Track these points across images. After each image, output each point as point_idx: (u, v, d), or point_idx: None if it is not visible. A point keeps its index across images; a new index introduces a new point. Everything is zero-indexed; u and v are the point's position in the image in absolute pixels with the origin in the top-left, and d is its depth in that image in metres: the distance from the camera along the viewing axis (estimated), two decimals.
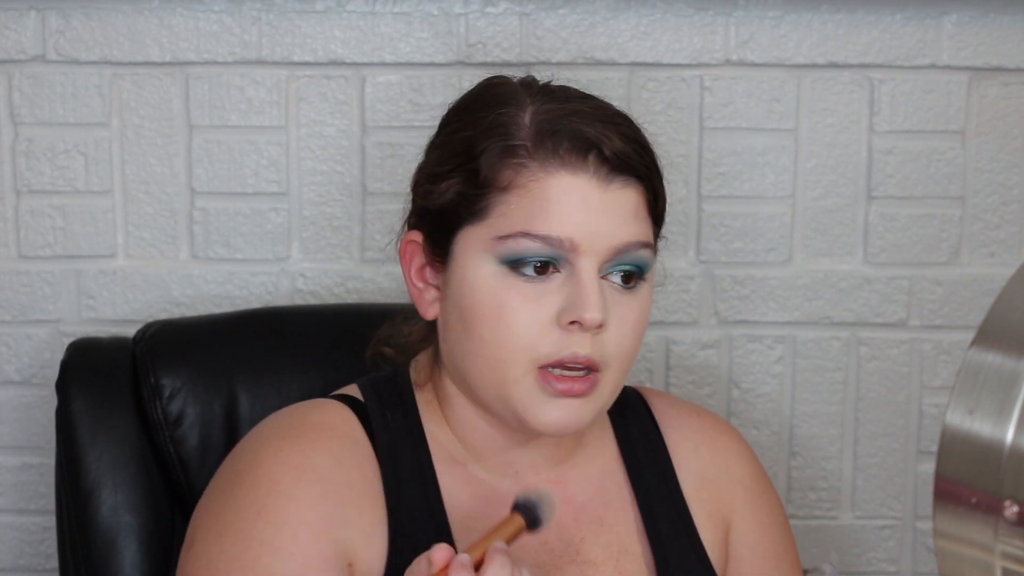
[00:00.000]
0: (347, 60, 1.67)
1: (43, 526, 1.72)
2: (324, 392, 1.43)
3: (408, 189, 1.25)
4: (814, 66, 1.70)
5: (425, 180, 1.20)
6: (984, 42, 1.70)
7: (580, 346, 1.11)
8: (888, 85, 1.71)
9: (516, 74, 1.68)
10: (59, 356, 1.48)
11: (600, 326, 1.11)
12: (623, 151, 1.14)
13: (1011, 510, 0.65)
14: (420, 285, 1.20)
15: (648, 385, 1.74)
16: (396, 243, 1.24)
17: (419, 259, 1.20)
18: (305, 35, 1.67)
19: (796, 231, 1.73)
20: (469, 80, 1.68)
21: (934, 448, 1.72)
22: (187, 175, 1.68)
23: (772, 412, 1.76)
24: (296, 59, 1.67)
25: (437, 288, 1.19)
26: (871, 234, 1.73)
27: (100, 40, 1.65)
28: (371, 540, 1.15)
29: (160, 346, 1.45)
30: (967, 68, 1.71)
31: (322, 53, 1.67)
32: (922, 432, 1.77)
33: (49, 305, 1.69)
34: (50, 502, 1.62)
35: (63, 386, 1.45)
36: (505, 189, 1.13)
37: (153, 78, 1.67)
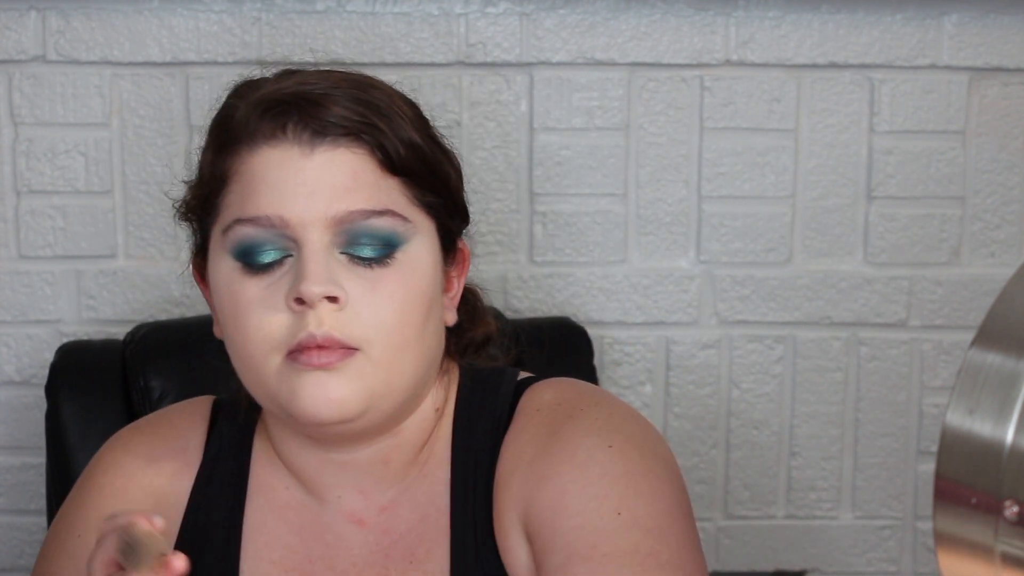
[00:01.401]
0: (347, 60, 1.67)
1: (42, 526, 1.71)
2: None
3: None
4: (814, 66, 1.70)
5: (192, 184, 1.15)
6: (984, 42, 1.70)
7: (315, 325, 1.02)
8: (888, 85, 1.71)
9: (512, 75, 1.68)
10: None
11: (333, 300, 1.03)
12: (330, 113, 1.06)
13: (1011, 510, 0.65)
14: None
15: (646, 386, 1.74)
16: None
17: (203, 283, 1.15)
18: (305, 35, 1.67)
19: (796, 231, 1.73)
20: (469, 80, 1.68)
21: (934, 448, 1.72)
22: (187, 175, 1.68)
23: (772, 412, 1.76)
24: (296, 59, 1.67)
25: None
26: (871, 234, 1.73)
27: (100, 40, 1.65)
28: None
29: (149, 348, 1.45)
30: (967, 68, 1.71)
31: (322, 53, 1.67)
32: (922, 432, 1.77)
33: (49, 305, 1.69)
34: None
35: (52, 390, 1.45)
36: (226, 181, 1.08)
37: (153, 78, 1.67)
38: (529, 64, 1.68)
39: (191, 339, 1.48)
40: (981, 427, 0.67)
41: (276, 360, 1.05)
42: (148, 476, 1.15)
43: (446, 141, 1.16)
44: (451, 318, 1.15)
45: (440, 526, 1.11)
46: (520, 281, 1.72)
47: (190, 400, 1.22)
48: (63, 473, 1.42)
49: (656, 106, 1.70)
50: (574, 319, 1.66)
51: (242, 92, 1.12)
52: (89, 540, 1.01)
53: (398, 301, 1.05)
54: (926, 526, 1.79)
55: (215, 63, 1.67)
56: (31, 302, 1.69)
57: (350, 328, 1.04)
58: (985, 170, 1.73)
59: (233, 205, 1.07)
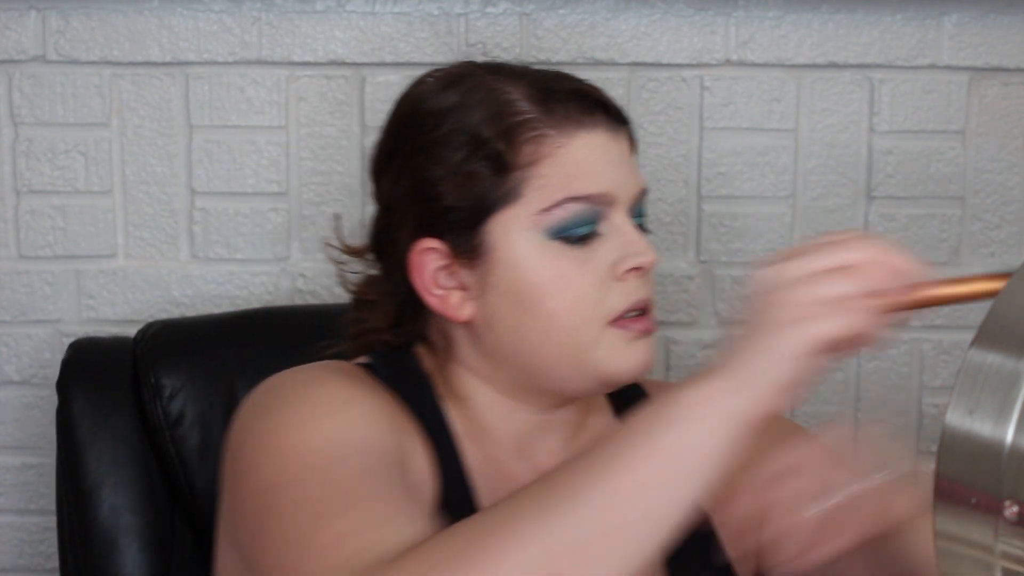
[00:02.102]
0: (347, 60, 1.67)
1: (43, 526, 1.71)
2: None
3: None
4: (814, 66, 1.70)
5: (425, 186, 1.17)
6: (984, 42, 1.70)
7: (641, 290, 1.15)
8: (888, 85, 1.71)
9: None
10: (59, 356, 1.48)
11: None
12: (611, 103, 1.18)
13: (1011, 510, 0.65)
14: (439, 292, 1.17)
15: None
16: (395, 256, 1.20)
17: (432, 265, 1.16)
18: (305, 35, 1.67)
19: (796, 231, 1.73)
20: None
21: (934, 448, 1.71)
22: (187, 175, 1.68)
23: None
24: (296, 59, 1.67)
25: (462, 288, 1.16)
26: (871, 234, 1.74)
27: (100, 40, 1.65)
28: (415, 457, 1.13)
29: (161, 346, 1.45)
30: (967, 68, 1.71)
31: (322, 53, 1.67)
32: (922, 432, 1.77)
33: (49, 305, 1.69)
34: (51, 502, 1.62)
35: (63, 386, 1.45)
36: (532, 164, 1.13)
37: (153, 78, 1.67)
38: (529, 64, 1.68)
39: (202, 337, 1.49)
40: (981, 427, 0.67)
41: (594, 330, 1.13)
42: (377, 395, 1.14)
43: None
44: None
45: None
46: None
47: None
48: (74, 468, 1.42)
49: (656, 106, 1.70)
50: None
51: (493, 82, 1.18)
52: (382, 437, 1.07)
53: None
54: None
55: (215, 63, 1.67)
56: (31, 302, 1.69)
57: (650, 290, 1.17)
58: (985, 170, 1.73)
59: (552, 186, 1.13)
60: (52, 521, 1.51)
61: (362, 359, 1.21)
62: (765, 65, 1.70)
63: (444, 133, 1.16)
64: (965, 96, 1.72)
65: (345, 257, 1.29)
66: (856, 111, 1.72)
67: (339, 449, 1.06)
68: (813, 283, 0.94)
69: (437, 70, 1.22)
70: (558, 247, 1.13)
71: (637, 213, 1.18)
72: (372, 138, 1.69)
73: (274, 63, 1.67)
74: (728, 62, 1.70)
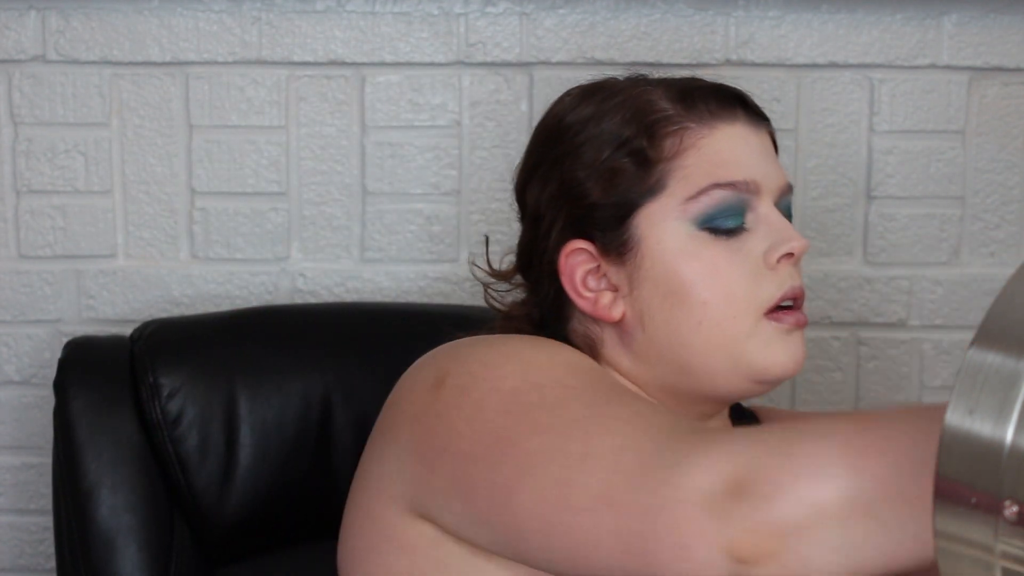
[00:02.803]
0: (347, 60, 1.67)
1: (43, 526, 1.72)
2: (325, 393, 1.44)
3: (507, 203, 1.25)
4: (814, 66, 1.70)
5: (571, 186, 1.17)
6: (984, 42, 1.70)
7: (794, 278, 1.15)
8: (888, 85, 1.71)
9: (512, 74, 1.68)
10: (59, 356, 1.48)
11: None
12: (751, 100, 1.19)
13: (1011, 510, 0.65)
14: (589, 294, 1.16)
15: None
16: (544, 263, 1.18)
17: (583, 267, 1.16)
18: (305, 35, 1.67)
19: (796, 231, 1.73)
20: (469, 80, 1.68)
21: None
22: (187, 175, 1.68)
23: None
24: (296, 59, 1.67)
25: (612, 289, 1.15)
26: (871, 234, 1.74)
27: (100, 40, 1.65)
28: None
29: (158, 345, 1.45)
30: (967, 68, 1.71)
31: (322, 53, 1.67)
32: None
33: (49, 305, 1.69)
34: (50, 502, 1.62)
35: (61, 385, 1.44)
36: (675, 156, 1.14)
37: (153, 78, 1.67)
38: (529, 64, 1.68)
39: (200, 336, 1.49)
40: (981, 427, 0.67)
41: (749, 321, 1.12)
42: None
43: None
44: None
45: None
46: None
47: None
48: (72, 469, 1.42)
49: None
50: None
51: (636, 88, 1.22)
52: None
53: None
54: None
55: (215, 63, 1.67)
56: (31, 302, 1.69)
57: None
58: (985, 170, 1.73)
59: (696, 175, 1.13)
60: (52, 521, 1.51)
61: None
62: (765, 65, 1.70)
63: (587, 137, 1.18)
64: (965, 96, 1.72)
65: (490, 278, 1.27)
66: (856, 111, 1.72)
67: (581, 371, 1.04)
68: None
69: (576, 87, 1.25)
70: (707, 238, 1.13)
71: (784, 207, 1.18)
72: (372, 138, 1.70)
73: (274, 63, 1.67)
74: (728, 62, 1.70)
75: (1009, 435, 0.66)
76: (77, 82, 1.66)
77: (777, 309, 1.13)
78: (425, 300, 1.70)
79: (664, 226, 1.13)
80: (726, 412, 1.22)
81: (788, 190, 1.19)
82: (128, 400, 1.43)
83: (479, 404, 1.02)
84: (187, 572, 1.41)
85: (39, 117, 1.66)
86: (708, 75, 1.70)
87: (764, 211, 1.15)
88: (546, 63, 1.68)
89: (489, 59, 1.68)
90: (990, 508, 0.66)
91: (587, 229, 1.16)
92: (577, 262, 1.16)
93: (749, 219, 1.14)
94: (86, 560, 1.40)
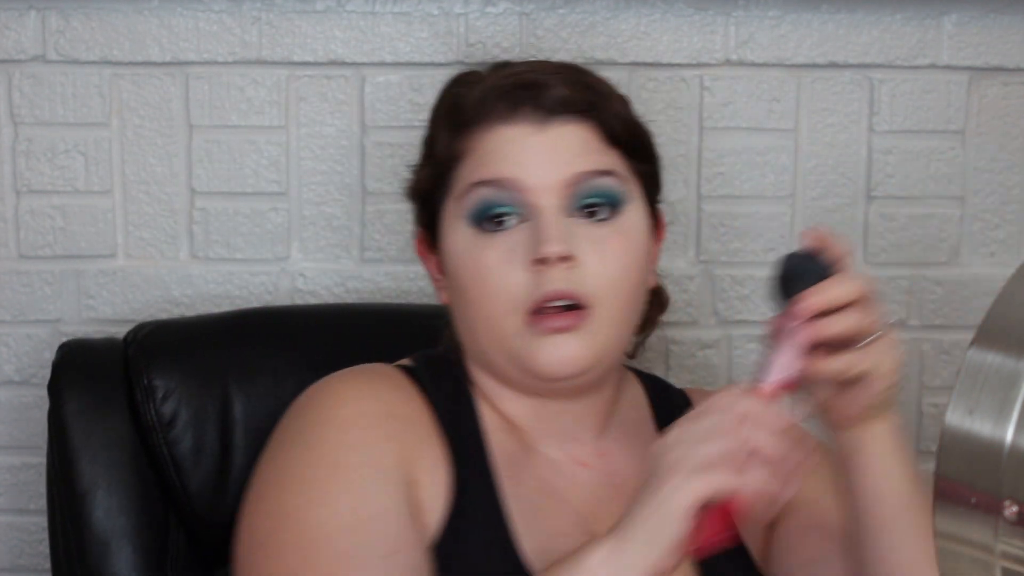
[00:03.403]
0: (347, 60, 1.67)
1: (42, 526, 1.71)
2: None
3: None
4: (814, 66, 1.70)
5: (410, 180, 1.28)
6: (984, 42, 1.70)
7: (553, 282, 1.14)
8: (888, 85, 1.71)
9: None
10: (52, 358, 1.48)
11: (567, 259, 1.14)
12: (558, 95, 1.19)
13: (1011, 510, 0.65)
14: (438, 277, 1.26)
15: None
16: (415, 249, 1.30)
17: (428, 255, 1.26)
18: (305, 35, 1.67)
19: (796, 231, 1.73)
20: None
21: (934, 448, 1.71)
22: (187, 175, 1.68)
23: None
24: (296, 59, 1.67)
25: (443, 275, 1.24)
26: (871, 234, 1.73)
27: (100, 40, 1.65)
28: (433, 473, 1.18)
29: (153, 347, 1.45)
30: (967, 68, 1.71)
31: (322, 53, 1.67)
32: (922, 432, 1.77)
33: (49, 305, 1.69)
34: None
35: (55, 388, 1.44)
36: (460, 157, 1.20)
37: (153, 78, 1.67)
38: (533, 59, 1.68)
39: (194, 338, 1.49)
40: (981, 427, 0.67)
41: (516, 320, 1.15)
42: (404, 409, 1.20)
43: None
44: (653, 280, 1.29)
45: None
46: None
47: (358, 367, 1.27)
48: (67, 471, 1.41)
49: (656, 106, 1.70)
50: None
51: (467, 80, 1.25)
52: (386, 460, 1.13)
53: (622, 258, 1.17)
54: None
55: (215, 63, 1.67)
56: (31, 302, 1.69)
57: (583, 284, 1.15)
58: (985, 170, 1.73)
59: (465, 176, 1.19)
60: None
61: (407, 361, 1.27)
62: (765, 65, 1.70)
63: (424, 135, 1.28)
64: (965, 96, 1.72)
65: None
66: (856, 111, 1.72)
67: (330, 523, 1.12)
68: (695, 445, 1.01)
69: (468, 69, 1.32)
70: (478, 235, 1.17)
71: (584, 200, 1.18)
72: (372, 138, 1.70)
73: (274, 63, 1.67)
74: (728, 62, 1.70)
75: (1009, 435, 0.66)
76: (77, 82, 1.66)
77: (541, 311, 1.15)
78: (425, 300, 1.70)
79: (451, 225, 1.20)
80: (604, 396, 1.25)
81: (581, 180, 1.18)
82: (122, 402, 1.43)
83: (242, 516, 1.20)
84: (182, 574, 1.41)
85: (39, 117, 1.66)
86: (708, 75, 1.71)
87: (539, 209, 1.16)
88: None
89: (489, 59, 1.68)
90: (990, 508, 0.66)
91: (422, 220, 1.26)
92: (423, 249, 1.27)
93: (518, 217, 1.16)
94: (82, 563, 1.40)
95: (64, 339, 1.62)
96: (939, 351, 1.76)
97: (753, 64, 1.70)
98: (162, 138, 1.68)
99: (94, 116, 1.67)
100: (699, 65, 1.70)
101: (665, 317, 1.72)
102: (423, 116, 1.67)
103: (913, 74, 1.71)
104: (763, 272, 1.73)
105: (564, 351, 1.15)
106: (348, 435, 1.17)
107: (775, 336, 1.09)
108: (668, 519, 0.99)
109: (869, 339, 1.07)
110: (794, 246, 1.73)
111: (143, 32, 1.65)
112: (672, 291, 1.72)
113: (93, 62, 1.66)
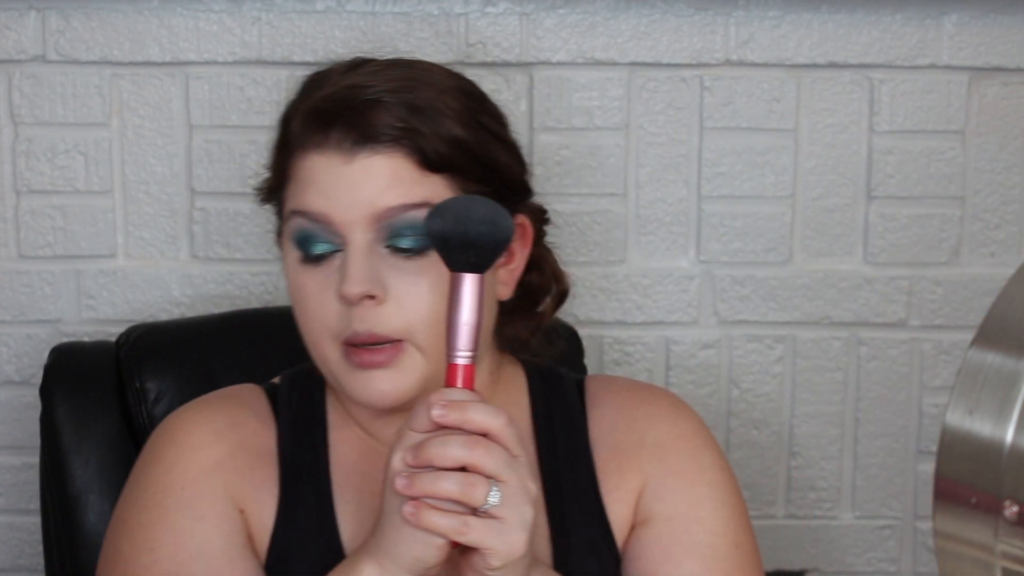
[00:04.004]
0: (347, 60, 1.67)
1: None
2: None
3: None
4: (814, 66, 1.70)
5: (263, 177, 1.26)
6: (984, 42, 1.70)
7: (359, 322, 1.12)
8: (888, 85, 1.71)
9: (512, 74, 1.68)
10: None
11: (372, 297, 1.12)
12: (370, 121, 1.13)
13: (1011, 510, 0.65)
14: None
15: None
16: None
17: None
18: (305, 35, 1.67)
19: (796, 231, 1.73)
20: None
21: (934, 448, 1.71)
22: (187, 175, 1.68)
23: (772, 412, 1.76)
24: (296, 59, 1.67)
25: None
26: (871, 234, 1.73)
27: (100, 40, 1.65)
28: (261, 495, 1.19)
29: (144, 350, 1.45)
30: (967, 68, 1.71)
31: (322, 53, 1.67)
32: (922, 432, 1.77)
33: (49, 305, 1.69)
34: None
35: (47, 391, 1.44)
36: (285, 180, 1.18)
37: (153, 78, 1.67)
38: (529, 64, 1.68)
39: (186, 340, 1.48)
40: (981, 427, 0.67)
41: (335, 349, 1.14)
42: (235, 434, 1.21)
43: (501, 121, 1.23)
44: (505, 292, 1.21)
45: (529, 462, 1.12)
46: None
47: (226, 388, 1.29)
48: (59, 475, 1.41)
49: (656, 106, 1.70)
50: (574, 318, 1.66)
51: (306, 90, 1.21)
52: (200, 507, 1.15)
53: (431, 291, 1.12)
54: (926, 526, 1.79)
55: (215, 63, 1.67)
56: (31, 302, 1.69)
57: (391, 321, 1.12)
58: (985, 170, 1.73)
59: (291, 199, 1.17)
60: None
61: (278, 377, 1.28)
62: (765, 65, 1.70)
63: (277, 129, 1.24)
64: (965, 96, 1.72)
65: None
66: (856, 111, 1.72)
67: (153, 568, 1.14)
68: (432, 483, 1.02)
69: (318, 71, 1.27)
70: (300, 261, 1.16)
71: (394, 235, 1.13)
72: None
73: (274, 63, 1.67)
74: (728, 62, 1.70)
75: (1009, 435, 0.66)
76: (77, 82, 1.66)
77: (355, 344, 1.13)
78: None
79: (285, 241, 1.19)
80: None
81: (390, 215, 1.12)
82: (115, 405, 1.43)
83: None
84: None
85: (39, 117, 1.66)
86: (708, 75, 1.71)
87: (350, 244, 1.13)
88: (546, 63, 1.68)
89: (489, 59, 1.68)
90: (990, 508, 0.66)
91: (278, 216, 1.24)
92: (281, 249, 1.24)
93: (333, 247, 1.14)
94: (75, 565, 1.39)
95: (64, 339, 1.62)
96: (939, 351, 1.76)
97: (753, 64, 1.70)
98: (162, 138, 1.68)
99: (94, 116, 1.67)
100: (699, 65, 1.70)
101: (665, 317, 1.73)
102: None
103: (913, 74, 1.71)
104: (763, 272, 1.74)
105: (378, 386, 1.14)
106: (171, 475, 1.18)
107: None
108: (410, 539, 1.02)
109: (484, 507, 1.01)
110: (794, 245, 1.74)
111: (143, 32, 1.65)
112: (672, 291, 1.73)
113: (93, 62, 1.66)
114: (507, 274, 1.21)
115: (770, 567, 1.78)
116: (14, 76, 1.66)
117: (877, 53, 1.70)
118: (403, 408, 1.14)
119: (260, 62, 1.67)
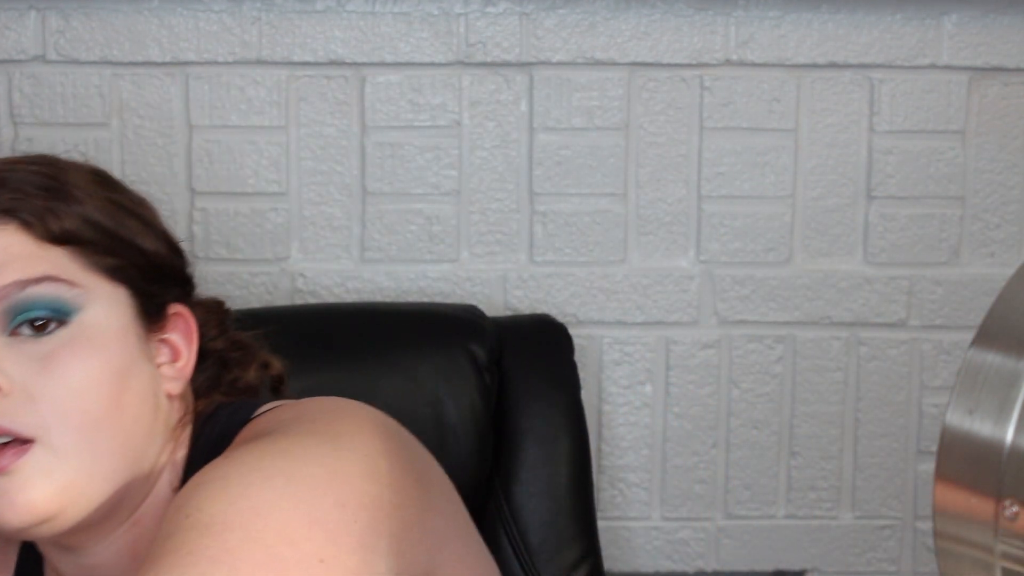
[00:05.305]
0: (347, 60, 1.67)
1: None
2: (319, 393, 1.44)
3: None
4: (814, 66, 1.70)
5: None
6: (984, 42, 1.70)
7: None
8: (888, 85, 1.71)
9: (512, 74, 1.68)
10: None
11: None
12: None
13: (1011, 510, 0.65)
14: None
15: (646, 386, 1.74)
16: None
17: None
18: (305, 35, 1.67)
19: (796, 231, 1.73)
20: (469, 80, 1.68)
21: (934, 448, 1.71)
22: (187, 175, 1.68)
23: (772, 412, 1.76)
24: (296, 59, 1.67)
25: None
26: (871, 234, 1.73)
27: (100, 40, 1.65)
28: None
29: None
30: (967, 68, 1.71)
31: (322, 53, 1.67)
32: (922, 432, 1.77)
33: None
34: None
35: None
36: None
37: (153, 78, 1.67)
38: (529, 64, 1.68)
39: None
40: (981, 427, 0.67)
41: None
42: None
43: (145, 206, 1.13)
44: (175, 388, 1.06)
45: None
46: (520, 281, 1.72)
47: None
48: None
49: (656, 106, 1.70)
50: (575, 318, 1.66)
51: None
52: None
53: (76, 376, 0.97)
54: (926, 526, 1.79)
55: (215, 63, 1.67)
56: None
57: (19, 416, 0.95)
58: (985, 170, 1.73)
59: None
60: None
61: None
62: (765, 65, 1.70)
63: None
64: (965, 96, 1.72)
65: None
66: (856, 111, 1.72)
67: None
68: None
69: None
70: None
71: (17, 313, 0.97)
72: (372, 138, 1.70)
73: (274, 63, 1.67)
74: (728, 62, 1.70)
75: (1009, 435, 0.66)
76: (77, 82, 1.66)
77: None
78: (425, 300, 1.70)
79: None
80: (130, 530, 1.04)
81: (13, 290, 0.98)
82: None
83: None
84: None
85: (39, 117, 1.66)
86: (708, 75, 1.71)
87: None
88: (546, 63, 1.68)
89: (489, 59, 1.68)
90: (990, 508, 0.66)
91: None
92: None
93: None
94: None
95: None
96: (939, 351, 1.76)
97: (753, 64, 1.70)
98: (162, 138, 1.68)
99: (94, 116, 1.67)
100: (699, 65, 1.70)
101: (664, 317, 1.73)
102: (423, 116, 1.68)
103: (913, 74, 1.71)
104: (763, 272, 1.74)
105: (10, 497, 0.94)
106: None
107: None
108: None
109: None
110: (794, 245, 1.74)
111: (143, 32, 1.65)
112: (672, 291, 1.72)
113: (93, 62, 1.66)
114: (174, 371, 1.06)
115: (770, 567, 1.78)
116: (14, 76, 1.66)
117: (877, 53, 1.70)
118: (55, 536, 0.99)
119: (260, 62, 1.67)
